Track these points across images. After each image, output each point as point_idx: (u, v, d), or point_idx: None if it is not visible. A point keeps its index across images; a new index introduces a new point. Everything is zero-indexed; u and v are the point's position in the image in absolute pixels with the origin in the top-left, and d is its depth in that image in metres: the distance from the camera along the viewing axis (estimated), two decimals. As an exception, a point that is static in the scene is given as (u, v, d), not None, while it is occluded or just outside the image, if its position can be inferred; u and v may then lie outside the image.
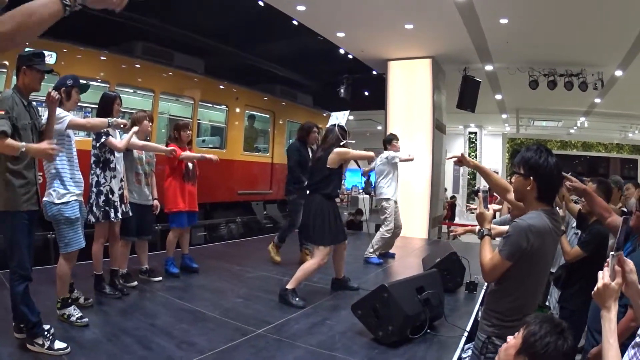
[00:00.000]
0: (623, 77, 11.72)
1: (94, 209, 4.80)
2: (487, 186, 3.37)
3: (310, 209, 5.41)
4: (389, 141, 8.03)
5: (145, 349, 3.80)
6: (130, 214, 5.25)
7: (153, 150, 5.83)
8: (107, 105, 4.96)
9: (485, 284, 5.48)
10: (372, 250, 7.69)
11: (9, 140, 3.31)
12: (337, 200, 5.73)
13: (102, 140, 4.86)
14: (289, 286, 5.20)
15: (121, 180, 5.11)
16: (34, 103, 3.83)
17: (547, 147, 2.67)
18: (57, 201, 3.98)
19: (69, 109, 4.28)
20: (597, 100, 14.31)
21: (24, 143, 3.37)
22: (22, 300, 3.49)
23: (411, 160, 8.31)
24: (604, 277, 1.92)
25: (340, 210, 6.71)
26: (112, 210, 4.89)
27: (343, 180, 5.72)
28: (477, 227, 2.93)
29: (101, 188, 4.84)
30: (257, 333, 4.27)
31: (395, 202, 7.77)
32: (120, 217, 5.02)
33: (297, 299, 5.14)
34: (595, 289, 1.92)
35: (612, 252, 1.95)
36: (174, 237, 6.17)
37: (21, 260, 3.49)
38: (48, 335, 3.57)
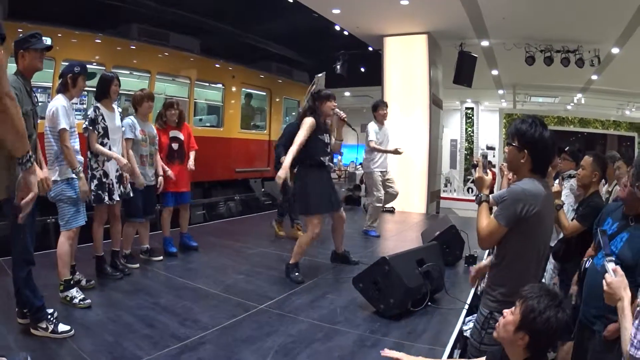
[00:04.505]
0: (620, 54, 11.64)
1: None
2: (487, 152, 3.39)
3: (295, 181, 5.47)
4: (374, 108, 7.76)
5: (149, 327, 3.83)
6: (132, 194, 5.23)
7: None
8: (104, 87, 4.90)
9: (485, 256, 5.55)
10: (369, 223, 7.75)
11: None
12: (334, 175, 5.63)
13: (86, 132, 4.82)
14: (291, 261, 5.28)
15: None
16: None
17: (542, 120, 2.68)
18: (59, 178, 4.04)
19: (74, 96, 4.34)
20: (594, 77, 14.24)
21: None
22: (26, 285, 3.49)
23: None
24: (606, 278, 2.03)
25: (338, 186, 6.64)
26: (106, 193, 4.83)
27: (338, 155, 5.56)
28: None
29: (94, 172, 4.79)
30: (259, 308, 4.32)
31: (383, 173, 7.71)
32: (118, 198, 4.98)
33: (296, 273, 5.19)
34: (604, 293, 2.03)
35: (606, 259, 2.11)
36: (166, 215, 6.19)
37: (25, 244, 3.48)
38: (52, 318, 3.57)
